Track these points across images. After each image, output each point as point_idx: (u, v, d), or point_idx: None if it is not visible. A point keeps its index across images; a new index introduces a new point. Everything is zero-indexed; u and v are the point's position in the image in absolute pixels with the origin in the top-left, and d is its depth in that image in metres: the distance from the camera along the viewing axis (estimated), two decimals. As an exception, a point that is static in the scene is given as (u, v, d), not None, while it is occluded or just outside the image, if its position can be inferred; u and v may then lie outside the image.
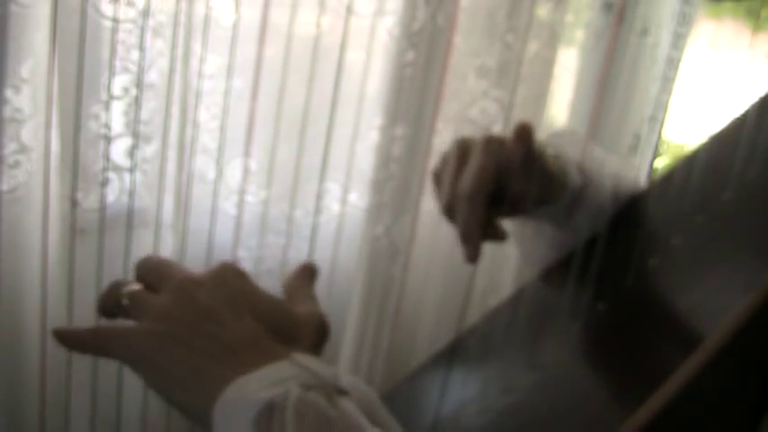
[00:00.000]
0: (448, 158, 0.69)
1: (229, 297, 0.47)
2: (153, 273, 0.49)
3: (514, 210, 0.70)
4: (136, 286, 0.48)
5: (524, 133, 0.68)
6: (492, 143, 0.67)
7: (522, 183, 0.68)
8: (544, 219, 0.75)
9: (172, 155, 1.04)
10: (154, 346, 0.45)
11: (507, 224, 0.70)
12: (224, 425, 0.42)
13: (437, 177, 0.71)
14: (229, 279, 0.48)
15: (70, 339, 0.48)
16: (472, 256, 0.64)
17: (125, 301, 0.48)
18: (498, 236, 0.67)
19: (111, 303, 0.48)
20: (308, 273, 0.54)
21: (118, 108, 1.01)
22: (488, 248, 0.67)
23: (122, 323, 0.48)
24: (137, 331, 0.46)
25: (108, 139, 1.00)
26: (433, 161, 0.73)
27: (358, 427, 0.42)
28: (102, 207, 1.01)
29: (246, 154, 1.12)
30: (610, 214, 0.74)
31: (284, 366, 0.44)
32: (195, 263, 1.08)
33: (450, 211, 0.68)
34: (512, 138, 0.68)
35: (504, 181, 0.67)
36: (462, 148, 0.68)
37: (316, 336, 0.49)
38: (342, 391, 0.44)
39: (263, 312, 0.48)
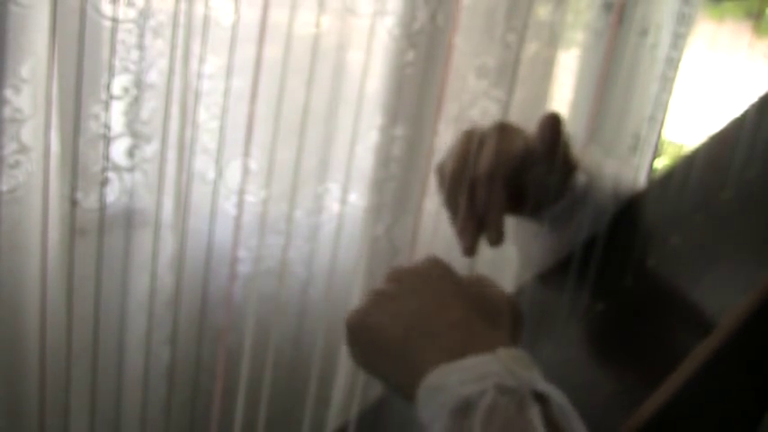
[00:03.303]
0: (453, 150, 0.69)
1: (435, 285, 0.52)
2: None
3: (521, 206, 0.70)
4: None
5: (554, 122, 0.68)
6: (507, 129, 0.67)
7: (542, 173, 0.68)
8: (545, 220, 0.75)
9: (172, 155, 1.04)
10: (369, 322, 0.50)
11: (506, 226, 0.69)
12: (426, 406, 0.46)
13: (441, 172, 0.70)
14: (433, 269, 0.54)
15: None
16: (470, 249, 0.66)
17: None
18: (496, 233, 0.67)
19: None
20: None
21: (118, 108, 1.01)
22: (488, 249, 0.67)
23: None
24: (357, 308, 0.51)
25: (108, 139, 1.00)
26: (434, 161, 0.72)
27: None
28: (102, 207, 1.01)
29: (246, 154, 1.12)
30: (610, 214, 0.74)
31: (486, 362, 0.46)
32: (195, 263, 1.08)
33: (451, 199, 0.68)
34: (540, 126, 0.68)
35: (523, 168, 0.67)
36: (470, 137, 0.68)
37: (513, 322, 0.52)
38: (538, 396, 0.45)
39: (470, 297, 0.52)
